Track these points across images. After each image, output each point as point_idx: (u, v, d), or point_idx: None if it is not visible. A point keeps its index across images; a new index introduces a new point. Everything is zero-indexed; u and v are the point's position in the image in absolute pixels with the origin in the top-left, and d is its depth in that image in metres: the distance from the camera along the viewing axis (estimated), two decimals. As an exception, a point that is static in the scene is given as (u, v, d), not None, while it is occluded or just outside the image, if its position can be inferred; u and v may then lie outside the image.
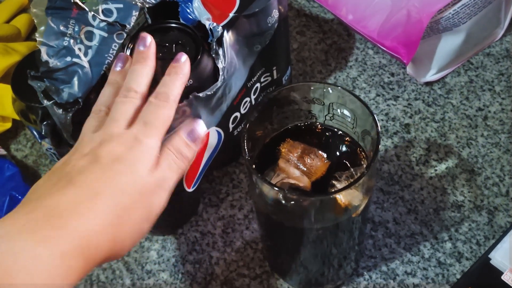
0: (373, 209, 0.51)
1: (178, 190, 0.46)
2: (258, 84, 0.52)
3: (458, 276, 0.47)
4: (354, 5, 0.61)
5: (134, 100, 0.36)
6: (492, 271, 0.43)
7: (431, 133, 0.55)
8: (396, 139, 0.55)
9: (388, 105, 0.58)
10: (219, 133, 0.47)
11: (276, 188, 0.33)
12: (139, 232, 0.33)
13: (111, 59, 0.44)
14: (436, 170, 0.53)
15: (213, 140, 0.47)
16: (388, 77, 0.60)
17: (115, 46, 0.44)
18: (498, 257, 0.43)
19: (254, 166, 0.39)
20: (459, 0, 0.53)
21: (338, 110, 0.38)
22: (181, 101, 0.39)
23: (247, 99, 0.50)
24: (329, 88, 0.37)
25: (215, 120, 0.46)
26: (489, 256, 0.44)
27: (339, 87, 0.36)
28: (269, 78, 0.53)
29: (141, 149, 0.33)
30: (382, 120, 0.57)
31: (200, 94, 0.41)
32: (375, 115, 0.35)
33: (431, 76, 0.58)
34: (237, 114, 0.49)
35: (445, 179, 0.52)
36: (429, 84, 0.59)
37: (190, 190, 0.47)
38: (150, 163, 0.33)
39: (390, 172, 0.53)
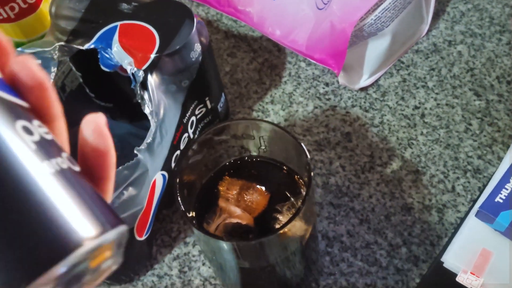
0: (326, 225, 0.51)
1: (129, 241, 0.45)
2: (193, 118, 0.51)
3: (417, 280, 0.47)
4: (279, 21, 0.61)
5: None
6: (446, 274, 0.43)
7: (372, 138, 0.56)
8: (339, 149, 0.55)
9: (326, 116, 0.58)
10: (164, 175, 0.47)
11: (218, 239, 0.32)
12: None
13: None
14: (382, 175, 0.53)
15: (159, 185, 0.46)
16: (323, 88, 0.60)
17: (36, 106, 0.43)
18: (450, 260, 0.44)
19: (195, 210, 0.38)
20: (378, 6, 0.54)
21: (269, 142, 0.38)
22: (124, 161, 0.39)
23: (186, 134, 0.50)
24: (256, 123, 0.37)
25: (159, 165, 0.45)
26: (442, 259, 0.44)
27: (264, 121, 0.36)
28: (204, 109, 0.52)
29: None
30: (323, 132, 0.57)
31: (142, 146, 0.41)
32: (303, 145, 0.34)
33: (364, 81, 0.58)
34: (178, 152, 0.49)
35: (392, 183, 0.53)
36: (364, 89, 0.59)
37: (143, 238, 0.46)
38: None
39: (338, 184, 0.53)
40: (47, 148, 0.19)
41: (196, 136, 0.52)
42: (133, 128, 0.58)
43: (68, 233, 0.18)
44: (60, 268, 0.17)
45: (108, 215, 0.20)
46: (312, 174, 0.33)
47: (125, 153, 0.56)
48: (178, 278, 0.50)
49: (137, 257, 0.49)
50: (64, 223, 0.18)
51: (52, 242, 0.18)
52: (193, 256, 0.51)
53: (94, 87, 0.55)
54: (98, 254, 0.19)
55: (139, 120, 0.58)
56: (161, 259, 0.51)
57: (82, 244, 0.18)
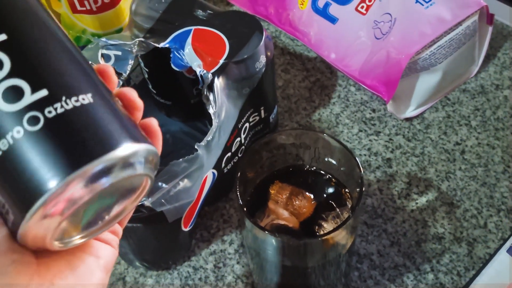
0: (358, 242, 0.53)
1: (175, 230, 0.48)
2: (247, 124, 0.54)
3: (440, 306, 0.49)
4: (336, 45, 0.64)
5: None
6: (471, 303, 0.45)
7: (412, 167, 0.58)
8: (378, 173, 0.58)
9: (370, 140, 0.61)
10: (214, 173, 0.50)
11: (269, 234, 0.35)
12: None
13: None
14: (417, 203, 0.55)
15: (209, 181, 0.49)
16: (370, 113, 0.63)
17: (110, 93, 0.47)
18: (477, 289, 0.46)
19: (245, 208, 0.41)
20: (435, 43, 0.57)
21: (324, 154, 0.41)
22: (184, 154, 0.42)
23: (238, 139, 0.53)
24: (316, 134, 0.40)
25: (212, 163, 0.48)
26: (469, 288, 0.46)
27: (326, 135, 0.39)
28: (257, 118, 0.55)
29: None
30: (365, 155, 0.59)
31: (202, 143, 0.44)
32: (358, 159, 0.37)
33: (410, 112, 0.61)
34: (229, 153, 0.52)
35: (426, 212, 0.55)
36: (408, 119, 0.62)
37: (187, 229, 0.49)
38: None
39: (374, 205, 0.56)
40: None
41: (246, 142, 0.55)
42: (185, 127, 0.62)
43: (110, 137, 0.23)
44: (98, 164, 0.22)
45: (140, 134, 0.26)
46: (364, 188, 0.36)
47: (176, 148, 0.60)
48: (212, 272, 0.53)
49: (178, 246, 0.52)
50: (109, 129, 0.24)
51: (96, 142, 0.23)
52: (229, 253, 0.54)
53: (157, 84, 0.59)
54: (132, 164, 0.24)
55: (191, 120, 0.62)
56: (198, 252, 0.54)
57: (119, 147, 0.23)
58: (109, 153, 0.23)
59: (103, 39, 0.47)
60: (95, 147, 0.23)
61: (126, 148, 0.23)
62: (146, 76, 0.58)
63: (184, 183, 0.45)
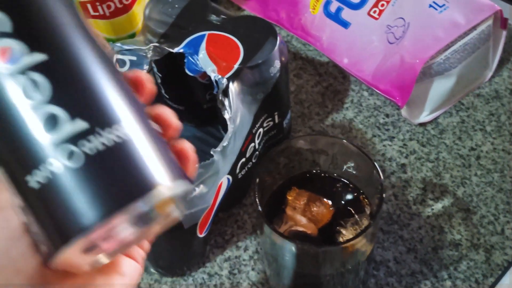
0: (374, 249, 0.53)
1: (191, 236, 0.48)
2: (261, 129, 0.54)
3: (458, 314, 0.48)
4: (349, 49, 0.63)
5: None
6: (491, 310, 0.44)
7: (427, 172, 0.58)
8: (393, 179, 0.57)
9: (384, 145, 0.60)
10: (228, 179, 0.49)
11: (289, 240, 0.35)
12: None
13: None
14: (433, 209, 0.55)
15: (224, 187, 0.49)
16: (383, 118, 0.62)
17: (126, 98, 0.46)
18: (496, 297, 0.45)
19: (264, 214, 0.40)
20: (449, 47, 0.56)
21: (341, 159, 0.41)
22: (202, 159, 0.42)
23: (252, 144, 0.52)
24: (333, 140, 0.39)
25: (227, 169, 0.47)
26: (488, 295, 0.46)
27: (344, 140, 0.39)
28: (271, 123, 0.55)
29: None
30: (379, 160, 0.59)
31: (218, 148, 0.43)
32: (377, 166, 0.37)
33: (424, 117, 0.61)
34: (243, 159, 0.51)
35: (442, 218, 0.54)
36: (422, 124, 0.61)
37: (202, 235, 0.49)
38: None
39: (389, 211, 0.55)
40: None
41: (260, 147, 0.55)
42: (198, 132, 0.61)
43: (150, 175, 0.22)
44: (138, 205, 0.22)
45: (178, 169, 0.24)
46: (384, 195, 0.35)
47: (189, 154, 0.59)
48: (228, 279, 0.52)
49: (193, 252, 0.52)
50: (149, 168, 0.23)
51: (134, 182, 0.22)
52: (244, 260, 0.53)
53: (170, 89, 0.59)
54: (168, 200, 0.23)
55: (204, 125, 0.61)
56: (213, 258, 0.54)
57: (158, 186, 0.22)
58: (149, 193, 0.22)
59: (118, 44, 0.47)
60: (135, 187, 0.22)
61: (165, 188, 0.22)
62: (159, 81, 0.58)
63: (200, 189, 0.45)
